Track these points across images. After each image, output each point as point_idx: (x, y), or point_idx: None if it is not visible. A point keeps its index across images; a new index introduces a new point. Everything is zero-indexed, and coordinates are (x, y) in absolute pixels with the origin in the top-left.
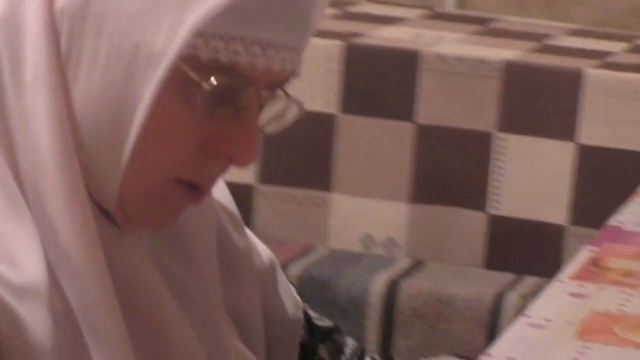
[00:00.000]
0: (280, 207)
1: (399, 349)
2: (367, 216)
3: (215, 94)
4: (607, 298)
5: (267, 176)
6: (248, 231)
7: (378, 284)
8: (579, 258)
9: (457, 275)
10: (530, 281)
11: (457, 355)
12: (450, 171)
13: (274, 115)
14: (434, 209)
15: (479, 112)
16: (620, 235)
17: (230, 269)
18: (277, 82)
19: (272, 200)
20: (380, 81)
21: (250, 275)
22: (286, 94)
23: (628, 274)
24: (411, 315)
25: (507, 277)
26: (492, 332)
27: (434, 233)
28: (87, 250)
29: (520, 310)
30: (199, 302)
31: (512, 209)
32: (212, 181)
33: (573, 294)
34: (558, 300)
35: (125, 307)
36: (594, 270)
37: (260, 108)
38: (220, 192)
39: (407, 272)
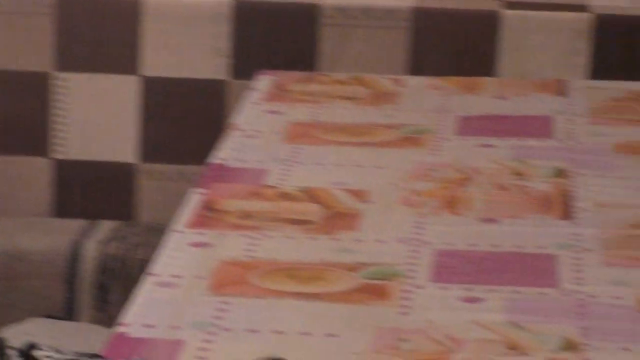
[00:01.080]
0: None
1: None
2: None
3: None
4: (232, 244)
5: None
6: None
7: None
8: (190, 203)
9: (28, 227)
10: (105, 225)
11: (45, 316)
12: (6, 117)
13: None
14: None
15: (33, 52)
16: (225, 173)
17: None
18: None
19: None
20: None
21: None
22: None
23: (246, 215)
24: None
25: (80, 224)
26: (71, 284)
27: None
28: None
29: (98, 257)
30: None
31: (79, 151)
32: None
33: (195, 244)
34: (181, 253)
35: None
36: (210, 215)
37: None
38: None
39: None
